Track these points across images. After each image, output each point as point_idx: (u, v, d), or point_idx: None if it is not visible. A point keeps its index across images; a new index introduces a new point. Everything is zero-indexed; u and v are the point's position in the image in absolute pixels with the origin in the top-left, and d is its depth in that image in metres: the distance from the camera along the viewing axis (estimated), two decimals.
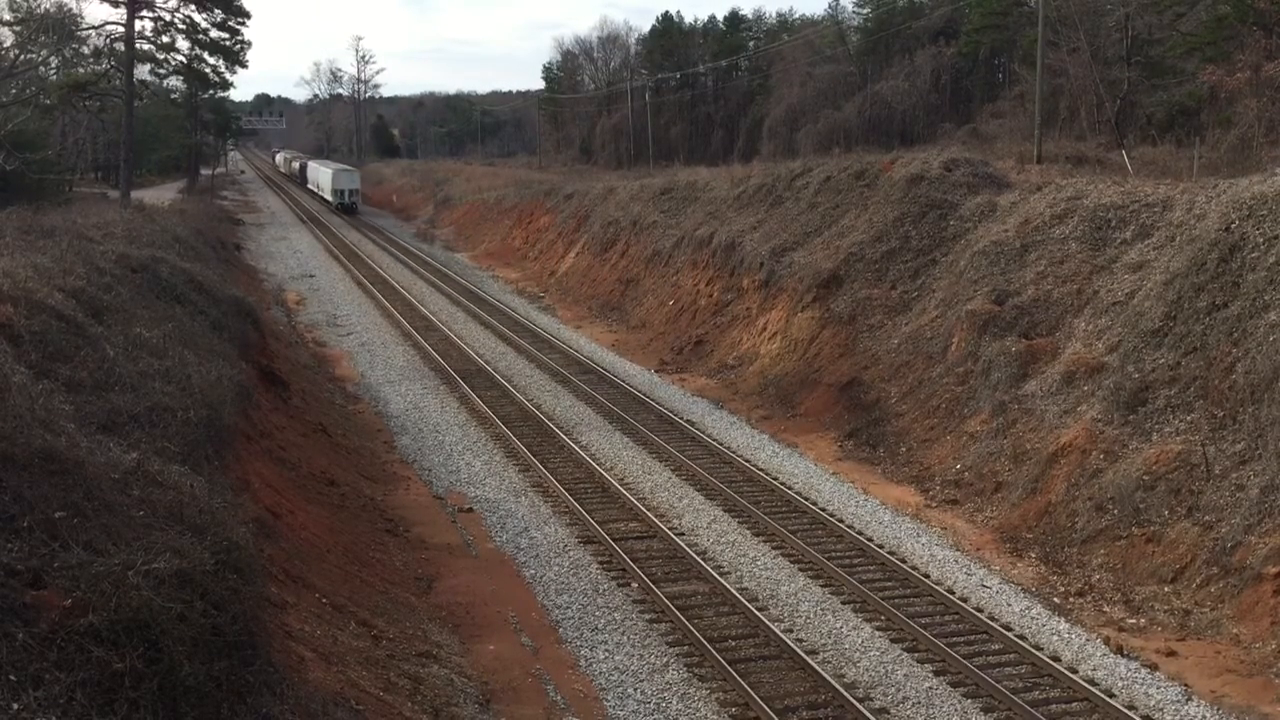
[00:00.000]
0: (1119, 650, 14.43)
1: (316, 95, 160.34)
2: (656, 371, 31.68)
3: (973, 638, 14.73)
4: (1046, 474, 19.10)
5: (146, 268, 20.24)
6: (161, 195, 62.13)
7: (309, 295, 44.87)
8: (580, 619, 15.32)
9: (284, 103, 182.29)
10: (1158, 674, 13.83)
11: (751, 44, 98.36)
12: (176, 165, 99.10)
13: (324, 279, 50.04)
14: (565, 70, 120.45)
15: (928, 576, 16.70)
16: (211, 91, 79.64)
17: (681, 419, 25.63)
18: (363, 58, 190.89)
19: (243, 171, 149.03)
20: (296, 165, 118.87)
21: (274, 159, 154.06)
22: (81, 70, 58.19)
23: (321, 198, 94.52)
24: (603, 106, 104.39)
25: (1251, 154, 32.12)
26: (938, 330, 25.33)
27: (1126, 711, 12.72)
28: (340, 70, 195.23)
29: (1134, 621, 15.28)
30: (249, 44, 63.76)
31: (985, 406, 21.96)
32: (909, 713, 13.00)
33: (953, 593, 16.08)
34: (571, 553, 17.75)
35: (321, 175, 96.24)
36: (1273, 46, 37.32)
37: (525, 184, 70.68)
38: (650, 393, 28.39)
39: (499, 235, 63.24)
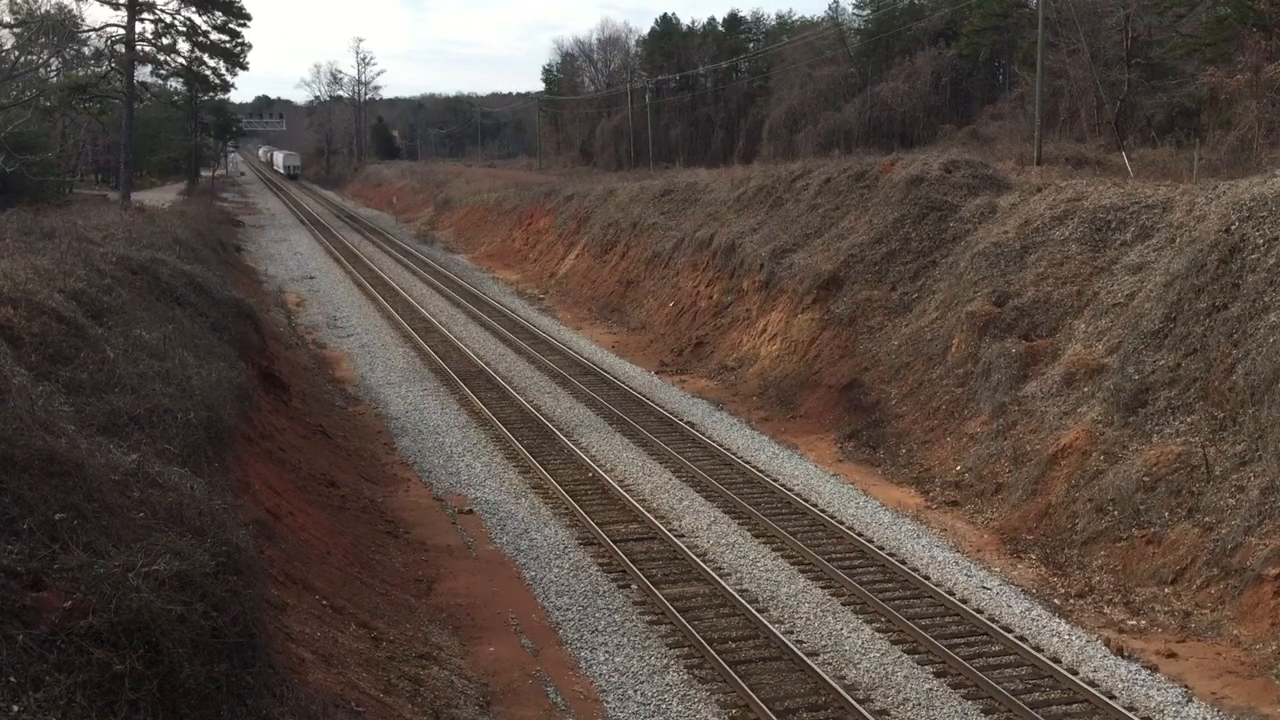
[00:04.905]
0: (1119, 652, 14.43)
1: (317, 97, 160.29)
2: (656, 373, 31.68)
3: (973, 639, 14.73)
4: (1046, 475, 19.10)
5: (147, 269, 20.24)
6: (162, 197, 62.14)
7: (309, 297, 44.89)
8: (580, 621, 15.32)
9: (284, 104, 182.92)
10: (1158, 675, 13.83)
11: (751, 45, 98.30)
12: (177, 167, 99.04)
13: (324, 281, 50.06)
14: (565, 72, 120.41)
15: (928, 578, 16.70)
16: (212, 93, 79.67)
17: (682, 420, 25.63)
18: (363, 59, 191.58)
19: (243, 173, 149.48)
20: (268, 155, 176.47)
21: (259, 153, 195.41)
22: (82, 72, 58.21)
23: (277, 171, 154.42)
24: (603, 108, 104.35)
25: (1251, 155, 32.10)
26: (938, 332, 25.33)
27: (1127, 713, 12.71)
28: (340, 72, 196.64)
29: (1134, 623, 15.28)
30: (249, 46, 63.83)
31: (985, 408, 21.96)
32: (910, 714, 12.99)
33: (953, 594, 16.08)
34: (572, 554, 17.75)
35: (276, 156, 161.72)
36: (1273, 48, 37.31)
37: (525, 186, 70.66)
38: (650, 394, 28.39)
39: (499, 237, 63.24)
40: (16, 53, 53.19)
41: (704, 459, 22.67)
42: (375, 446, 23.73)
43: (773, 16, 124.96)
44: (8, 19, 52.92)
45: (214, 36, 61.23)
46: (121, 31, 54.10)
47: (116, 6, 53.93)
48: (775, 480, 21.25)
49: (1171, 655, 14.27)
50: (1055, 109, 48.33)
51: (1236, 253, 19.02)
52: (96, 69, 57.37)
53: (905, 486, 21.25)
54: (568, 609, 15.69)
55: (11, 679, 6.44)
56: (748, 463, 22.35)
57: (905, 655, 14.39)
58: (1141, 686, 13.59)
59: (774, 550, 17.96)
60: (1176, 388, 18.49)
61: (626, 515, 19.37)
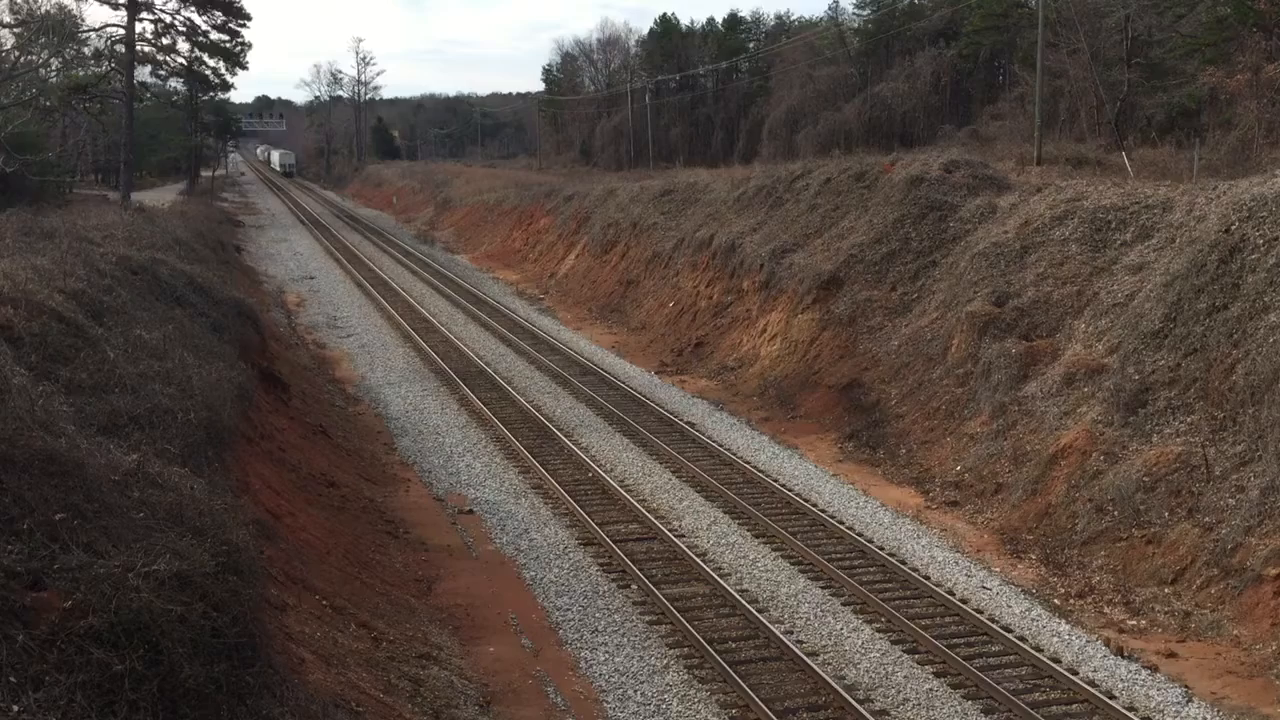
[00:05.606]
0: (1119, 652, 14.43)
1: (317, 97, 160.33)
2: (657, 373, 31.68)
3: (973, 639, 14.72)
4: (1047, 475, 19.10)
5: (147, 269, 20.25)
6: (162, 197, 62.13)
7: (309, 297, 44.88)
8: (580, 621, 15.32)
9: (284, 104, 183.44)
10: (1158, 675, 13.83)
11: (751, 46, 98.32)
12: (177, 167, 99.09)
13: (324, 280, 50.05)
14: (565, 72, 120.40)
15: (928, 578, 16.69)
16: (212, 93, 79.74)
17: (682, 420, 25.63)
18: (363, 59, 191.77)
19: (243, 174, 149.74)
20: (266, 155, 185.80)
21: (257, 152, 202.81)
22: (82, 72, 58.16)
23: (274, 169, 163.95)
24: (603, 108, 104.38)
25: (1251, 155, 32.12)
26: (938, 332, 25.33)
27: (1127, 713, 12.71)
28: (340, 72, 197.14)
29: (1134, 623, 15.28)
30: (249, 46, 63.83)
31: (985, 408, 21.96)
32: (910, 714, 12.99)
33: (953, 594, 16.07)
34: (572, 554, 17.74)
35: (274, 155, 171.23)
36: (1273, 48, 37.31)
37: (525, 186, 70.65)
38: (650, 394, 28.39)
39: (499, 237, 63.25)
40: (16, 53, 53.15)
41: (704, 459, 22.66)
42: (375, 446, 23.73)
43: (772, 17, 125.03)
44: (8, 19, 52.90)
45: (214, 36, 61.29)
46: (121, 31, 54.14)
47: (116, 6, 54.01)
48: (775, 480, 21.24)
49: (1171, 655, 14.27)
50: (1055, 109, 48.33)
51: (1236, 253, 19.02)
52: (96, 69, 57.33)
53: (905, 486, 21.25)
54: (568, 609, 15.69)
55: (11, 679, 6.45)
56: (748, 463, 22.35)
57: (905, 655, 14.38)
58: (1141, 686, 13.59)
59: (774, 550, 17.96)
60: (1176, 388, 18.50)
61: (627, 515, 19.37)
